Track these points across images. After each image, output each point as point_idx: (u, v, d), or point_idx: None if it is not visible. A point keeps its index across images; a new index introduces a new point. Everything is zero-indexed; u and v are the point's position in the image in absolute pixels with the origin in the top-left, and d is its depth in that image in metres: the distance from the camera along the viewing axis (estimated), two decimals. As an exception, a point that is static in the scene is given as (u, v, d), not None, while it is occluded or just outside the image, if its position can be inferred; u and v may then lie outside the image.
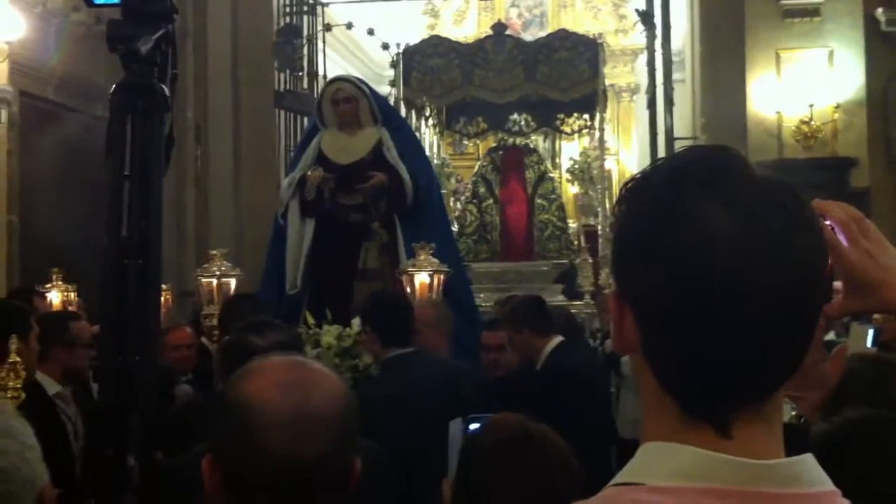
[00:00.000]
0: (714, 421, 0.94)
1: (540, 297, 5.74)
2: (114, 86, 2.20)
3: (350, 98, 6.49)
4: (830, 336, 6.28)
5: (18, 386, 3.23)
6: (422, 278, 5.69)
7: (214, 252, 6.40)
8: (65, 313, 5.06)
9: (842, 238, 1.23)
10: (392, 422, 3.73)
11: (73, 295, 6.17)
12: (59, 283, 6.16)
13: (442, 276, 5.75)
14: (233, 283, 6.15)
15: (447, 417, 2.25)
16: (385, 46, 11.03)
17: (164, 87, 2.22)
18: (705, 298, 0.91)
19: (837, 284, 1.24)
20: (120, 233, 2.41)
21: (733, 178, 0.95)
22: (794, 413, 2.90)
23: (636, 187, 0.99)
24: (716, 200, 0.93)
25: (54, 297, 6.08)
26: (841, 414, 1.99)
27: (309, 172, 6.49)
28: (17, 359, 3.35)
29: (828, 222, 1.24)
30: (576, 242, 11.32)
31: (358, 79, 7.11)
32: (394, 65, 10.77)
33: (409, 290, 5.69)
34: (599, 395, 5.40)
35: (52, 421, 3.75)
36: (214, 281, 6.11)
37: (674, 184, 0.96)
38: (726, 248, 0.91)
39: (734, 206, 0.93)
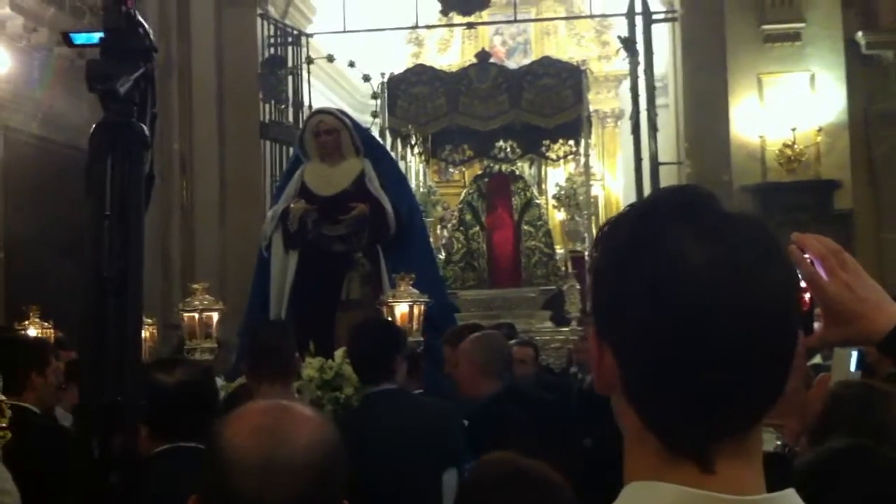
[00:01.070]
0: (696, 456, 0.93)
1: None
2: (93, 126, 2.20)
3: (332, 130, 6.52)
4: (817, 360, 6.27)
5: (4, 425, 3.17)
6: (402, 308, 5.68)
7: (196, 286, 6.37)
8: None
9: (821, 271, 1.24)
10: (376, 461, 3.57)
11: (50, 332, 6.14)
12: (36, 320, 6.14)
13: (422, 307, 5.75)
14: (215, 316, 6.11)
15: (429, 465, 2.22)
16: (367, 78, 11.08)
17: (143, 125, 2.22)
18: (682, 331, 0.92)
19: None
20: (100, 272, 2.40)
21: (705, 212, 0.96)
22: (778, 442, 2.90)
23: (611, 228, 1.01)
24: (689, 234, 0.94)
25: (31, 334, 6.05)
26: (826, 443, 1.99)
27: (292, 204, 6.49)
28: (2, 397, 3.30)
29: (806, 255, 1.25)
30: (563, 268, 11.34)
31: (339, 110, 7.14)
32: (375, 96, 10.81)
33: (389, 319, 5.68)
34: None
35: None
36: (197, 315, 6.08)
37: (647, 220, 0.97)
38: (701, 280, 0.92)
39: (707, 239, 0.93)
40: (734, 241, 0.94)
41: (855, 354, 3.76)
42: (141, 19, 2.15)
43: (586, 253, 10.95)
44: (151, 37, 2.16)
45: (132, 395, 2.52)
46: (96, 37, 2.16)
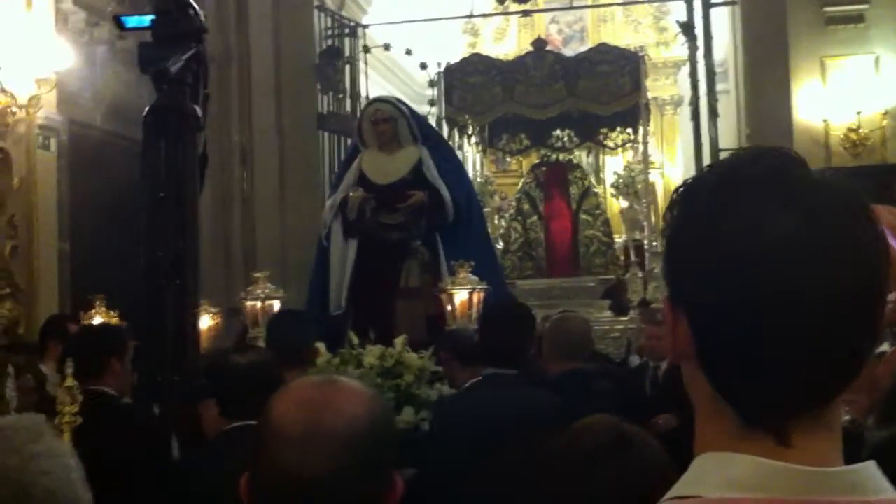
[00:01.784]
0: (773, 429, 0.90)
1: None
2: (146, 108, 2.23)
3: (389, 118, 6.55)
4: (884, 347, 6.15)
5: (75, 411, 3.24)
6: (461, 296, 5.68)
7: (258, 274, 6.45)
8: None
9: (893, 242, 1.20)
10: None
11: (115, 320, 6.24)
12: (102, 308, 6.24)
13: (481, 294, 5.74)
14: (276, 304, 6.20)
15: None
16: (423, 66, 11.09)
17: (195, 107, 2.24)
18: (764, 303, 0.88)
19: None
20: (157, 254, 2.44)
21: (791, 178, 0.92)
22: (847, 418, 2.83)
23: (689, 190, 0.97)
24: (774, 200, 0.90)
25: (97, 322, 6.15)
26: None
27: (350, 193, 6.53)
28: (73, 382, 3.36)
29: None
30: (621, 257, 11.24)
31: (396, 99, 7.17)
32: (432, 84, 10.81)
33: (448, 308, 5.69)
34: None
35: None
36: (258, 303, 6.15)
37: (729, 184, 0.93)
38: (786, 250, 0.88)
39: (793, 206, 0.90)
40: (820, 207, 0.90)
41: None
42: (191, 1, 2.17)
43: (646, 242, 10.85)
44: (202, 18, 2.18)
45: (189, 375, 2.56)
46: (147, 19, 2.19)
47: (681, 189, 0.98)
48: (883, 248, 0.94)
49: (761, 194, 0.91)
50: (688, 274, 0.94)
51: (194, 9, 2.23)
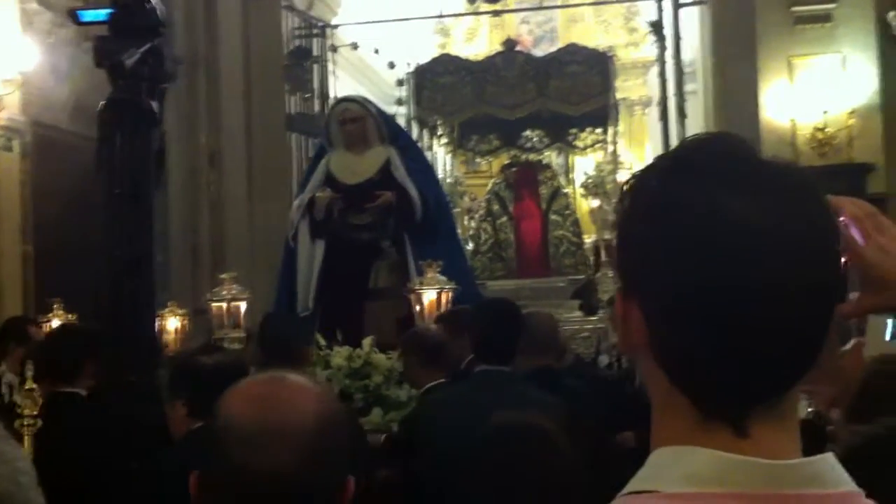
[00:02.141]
0: (730, 420, 0.88)
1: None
2: (101, 103, 2.18)
3: (357, 118, 6.51)
4: (851, 345, 6.17)
5: (35, 413, 3.21)
6: (430, 296, 5.66)
7: (225, 276, 6.39)
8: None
9: (856, 235, 1.18)
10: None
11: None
12: (60, 312, 6.17)
13: (450, 294, 5.72)
14: (243, 306, 6.13)
15: None
16: (392, 65, 11.07)
17: (152, 102, 2.20)
18: (717, 289, 0.86)
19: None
20: (115, 252, 2.39)
21: (740, 162, 0.90)
22: (810, 409, 2.82)
23: (638, 180, 0.95)
24: (722, 185, 0.88)
25: (56, 325, 6.09)
26: (872, 421, 1.91)
27: (318, 194, 6.49)
28: (34, 385, 3.32)
29: (842, 219, 1.20)
30: (591, 257, 11.25)
31: (364, 98, 7.13)
32: (401, 83, 10.79)
33: (417, 308, 5.66)
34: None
35: None
36: (225, 304, 6.09)
37: (677, 171, 0.91)
38: (738, 234, 0.86)
39: (742, 189, 0.87)
40: (772, 191, 0.88)
41: (890, 323, 3.66)
42: (148, -6, 2.14)
43: (614, 241, 10.86)
44: (159, 13, 2.14)
45: (152, 374, 2.52)
46: (104, 13, 2.15)
47: (631, 180, 0.96)
48: (836, 227, 0.93)
49: (709, 179, 0.88)
50: (639, 263, 0.92)
51: (151, 3, 2.18)
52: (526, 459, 1.92)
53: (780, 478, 0.87)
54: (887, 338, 3.42)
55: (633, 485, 0.91)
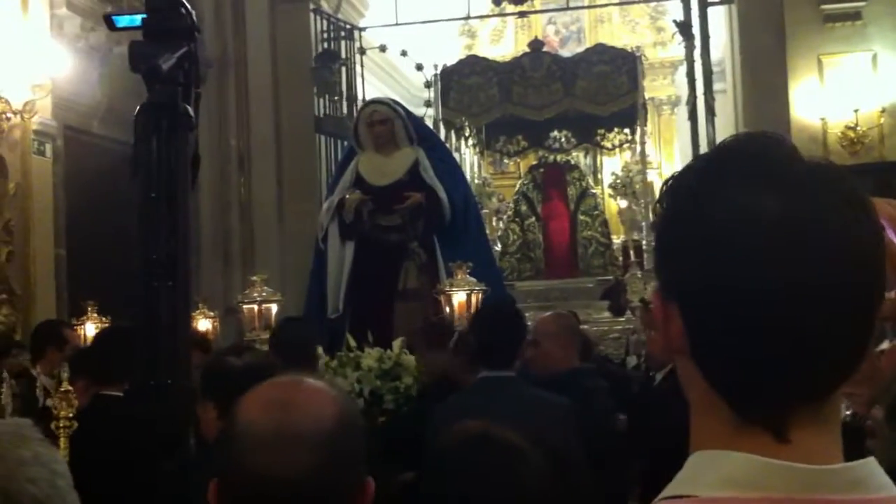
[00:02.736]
0: (770, 424, 0.87)
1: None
2: (138, 107, 2.21)
3: (385, 119, 6.52)
4: (884, 346, 6.10)
5: (70, 415, 3.23)
6: (459, 297, 5.67)
7: (255, 277, 6.43)
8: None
9: (892, 235, 1.18)
10: None
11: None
12: (94, 315, 6.24)
13: (479, 295, 5.72)
14: (274, 307, 6.17)
15: None
16: (419, 67, 11.08)
17: (187, 106, 2.22)
18: (757, 291, 0.85)
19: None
20: (150, 255, 2.41)
21: (781, 162, 0.89)
22: (848, 412, 2.80)
23: (676, 182, 0.94)
24: (763, 185, 0.87)
25: (89, 329, 6.15)
26: None
27: (347, 195, 6.51)
28: (70, 388, 3.34)
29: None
30: (620, 258, 11.22)
31: (392, 100, 7.15)
32: (429, 85, 10.80)
33: (447, 309, 5.67)
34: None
35: None
36: (256, 306, 6.14)
37: (716, 171, 0.90)
38: (779, 236, 0.85)
39: (785, 190, 0.86)
40: (815, 193, 0.87)
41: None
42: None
43: (644, 242, 10.84)
44: (194, 17, 2.17)
45: (184, 378, 2.54)
46: (139, 18, 2.17)
47: (669, 181, 0.95)
48: (879, 233, 0.91)
49: (747, 180, 0.88)
50: (677, 266, 0.91)
51: (186, 7, 2.21)
52: (488, 472, 1.91)
53: (821, 483, 0.86)
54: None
55: (670, 489, 0.90)
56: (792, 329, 0.85)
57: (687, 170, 0.95)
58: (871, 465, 0.89)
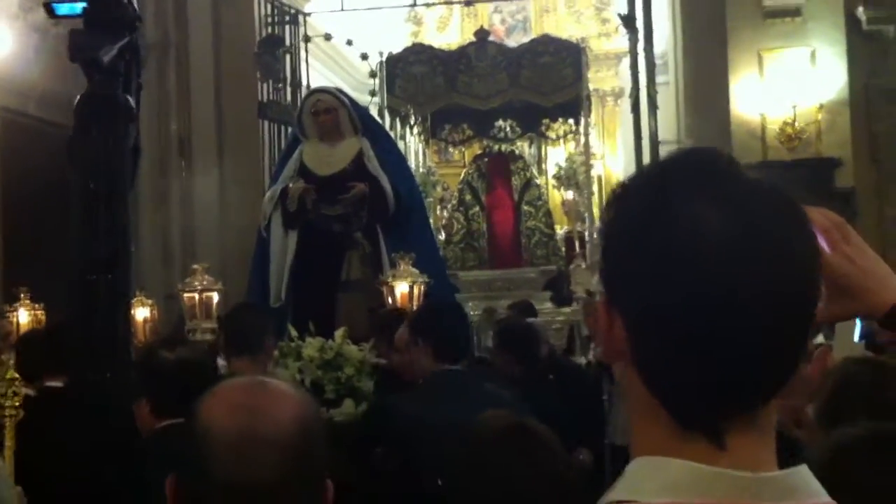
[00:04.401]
0: (707, 431, 0.90)
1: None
2: (77, 97, 2.16)
3: (330, 109, 6.49)
4: (819, 339, 6.21)
5: (17, 404, 3.15)
6: (402, 288, 5.66)
7: (197, 266, 6.36)
8: None
9: (823, 244, 1.21)
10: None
11: (40, 314, 6.12)
12: (27, 301, 6.12)
13: (422, 286, 5.72)
14: (215, 296, 6.11)
15: None
16: (364, 56, 11.03)
17: (128, 97, 2.18)
18: (697, 302, 0.87)
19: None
20: (88, 248, 2.37)
21: (723, 178, 0.92)
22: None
23: (623, 192, 0.96)
24: (705, 199, 0.89)
25: (22, 316, 6.03)
26: (839, 426, 1.92)
27: (290, 184, 6.46)
28: (15, 375, 3.26)
29: None
30: (563, 248, 11.30)
31: (337, 89, 7.11)
32: (374, 74, 10.76)
33: (389, 300, 5.66)
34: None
35: None
36: (197, 295, 6.07)
37: (661, 184, 0.92)
38: (718, 248, 0.87)
39: (725, 204, 0.89)
40: (754, 207, 0.90)
41: (859, 324, 3.70)
42: (125, -11, 2.13)
43: (586, 233, 10.92)
44: (136, 7, 2.13)
45: (124, 372, 2.50)
46: (79, 7, 2.13)
47: (616, 190, 0.97)
48: (815, 246, 0.94)
49: (693, 194, 0.90)
50: (621, 274, 0.93)
51: (127, -4, 2.18)
52: (524, 460, 1.94)
53: (756, 490, 0.88)
54: (855, 339, 3.46)
55: (612, 494, 0.92)
56: (730, 340, 0.88)
57: (633, 181, 0.97)
58: (803, 473, 0.92)
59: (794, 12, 10.18)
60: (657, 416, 0.91)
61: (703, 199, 0.89)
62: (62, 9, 2.30)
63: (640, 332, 0.91)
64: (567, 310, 10.01)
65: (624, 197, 0.95)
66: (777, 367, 0.91)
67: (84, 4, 2.18)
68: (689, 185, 0.91)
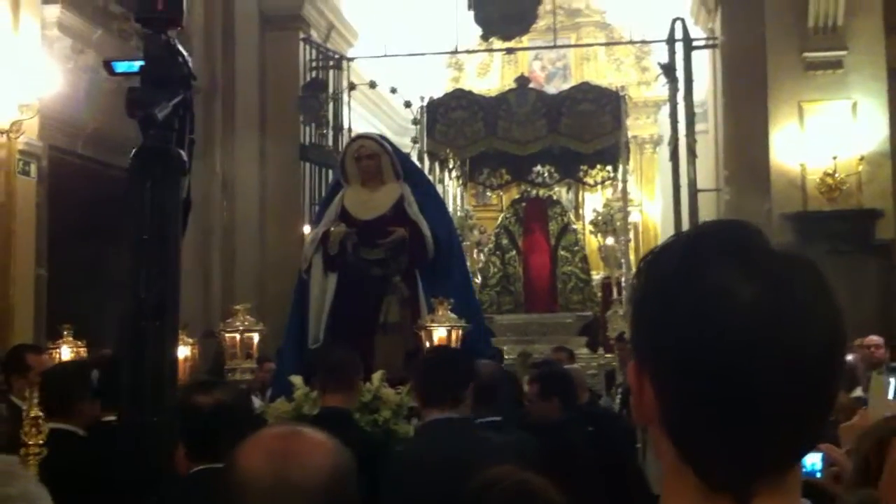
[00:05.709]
0: (734, 492, 0.92)
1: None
2: (133, 151, 2.26)
3: (372, 155, 6.56)
4: (858, 392, 6.16)
5: (41, 442, 3.20)
6: (440, 333, 5.69)
7: (238, 307, 6.44)
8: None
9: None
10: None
11: (83, 351, 6.19)
12: (69, 338, 6.19)
13: (460, 331, 5.75)
14: (256, 337, 6.18)
15: None
16: (408, 104, 11.15)
17: (181, 151, 2.27)
18: (725, 368, 0.91)
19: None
20: (139, 296, 2.45)
21: (753, 249, 0.95)
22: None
23: (655, 258, 0.99)
24: (737, 269, 0.93)
25: (65, 352, 6.10)
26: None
27: (332, 228, 6.54)
28: (39, 413, 3.33)
29: None
30: (599, 294, 11.29)
31: (380, 136, 7.19)
32: (416, 122, 10.87)
33: (427, 344, 5.70)
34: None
35: None
36: (238, 335, 6.15)
37: (693, 253, 0.95)
38: (747, 317, 0.91)
39: (755, 275, 0.92)
40: (782, 279, 0.93)
41: (893, 381, 3.68)
42: (181, 48, 2.21)
43: (623, 279, 10.91)
44: (190, 65, 2.22)
45: (169, 416, 2.57)
46: (137, 65, 2.22)
47: (648, 257, 1.01)
48: (840, 316, 0.97)
49: (724, 264, 0.93)
50: (651, 339, 0.96)
51: (183, 56, 2.26)
52: None
53: None
54: (890, 396, 3.45)
55: None
56: (757, 406, 0.91)
57: (666, 247, 1.00)
58: None
59: (836, 65, 10.19)
60: (686, 477, 0.95)
61: (733, 266, 0.93)
62: (120, 66, 2.40)
63: (668, 397, 0.95)
64: (609, 356, 9.98)
65: (654, 264, 0.99)
66: (802, 431, 0.94)
67: (141, 63, 2.28)
68: (720, 254, 0.95)
